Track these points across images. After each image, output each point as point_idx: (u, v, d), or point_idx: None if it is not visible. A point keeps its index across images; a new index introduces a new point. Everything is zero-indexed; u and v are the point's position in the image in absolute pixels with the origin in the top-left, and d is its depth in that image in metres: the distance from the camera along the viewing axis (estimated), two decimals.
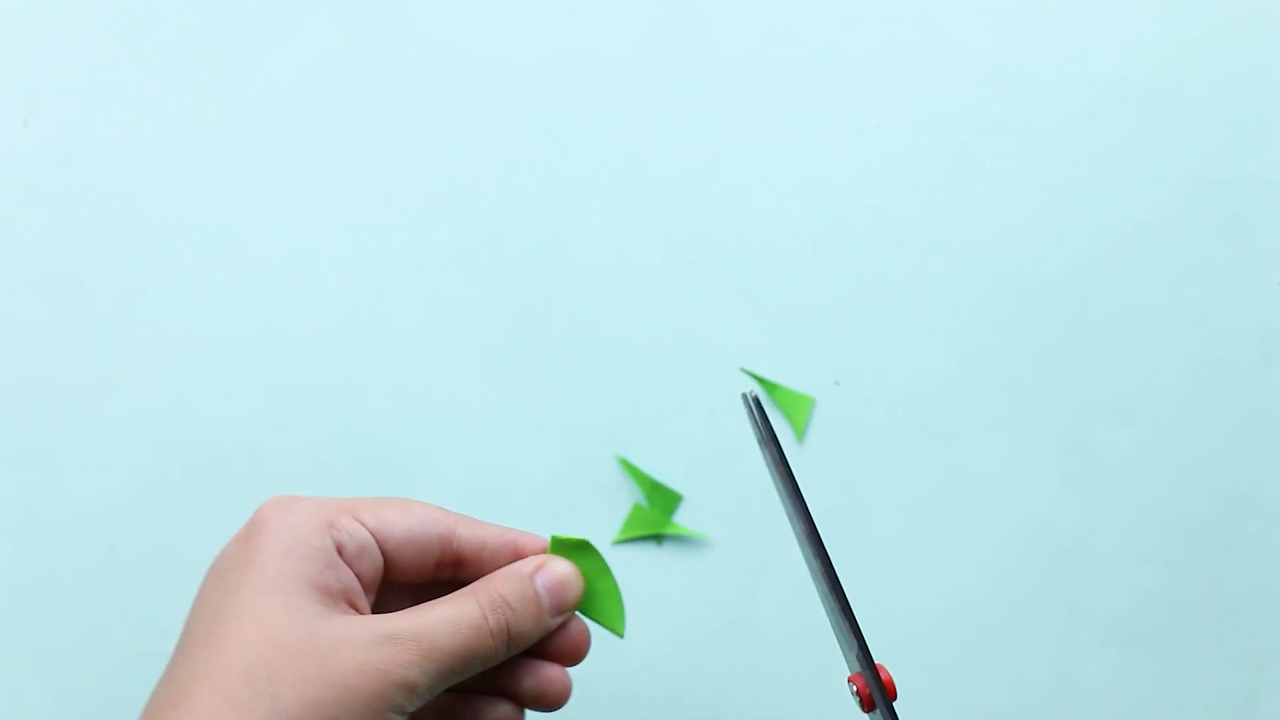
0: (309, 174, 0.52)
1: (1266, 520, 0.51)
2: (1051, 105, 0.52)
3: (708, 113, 0.52)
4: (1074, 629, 0.51)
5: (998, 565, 0.51)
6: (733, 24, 0.52)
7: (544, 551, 0.36)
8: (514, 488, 0.50)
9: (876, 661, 0.33)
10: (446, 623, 0.32)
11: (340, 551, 0.33)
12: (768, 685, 0.50)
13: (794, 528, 0.35)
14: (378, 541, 0.34)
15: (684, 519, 0.50)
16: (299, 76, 0.52)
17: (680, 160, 0.52)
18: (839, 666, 0.35)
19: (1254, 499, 0.51)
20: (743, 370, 0.50)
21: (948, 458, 0.51)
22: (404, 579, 0.35)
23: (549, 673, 0.36)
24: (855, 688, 0.33)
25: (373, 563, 0.34)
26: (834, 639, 0.36)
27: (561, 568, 0.35)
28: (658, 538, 0.50)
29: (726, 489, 0.50)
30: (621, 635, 0.37)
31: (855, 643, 0.33)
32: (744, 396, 0.36)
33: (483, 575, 0.35)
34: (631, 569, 0.50)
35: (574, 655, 0.37)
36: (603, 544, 0.50)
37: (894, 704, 0.32)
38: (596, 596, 0.36)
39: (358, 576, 0.33)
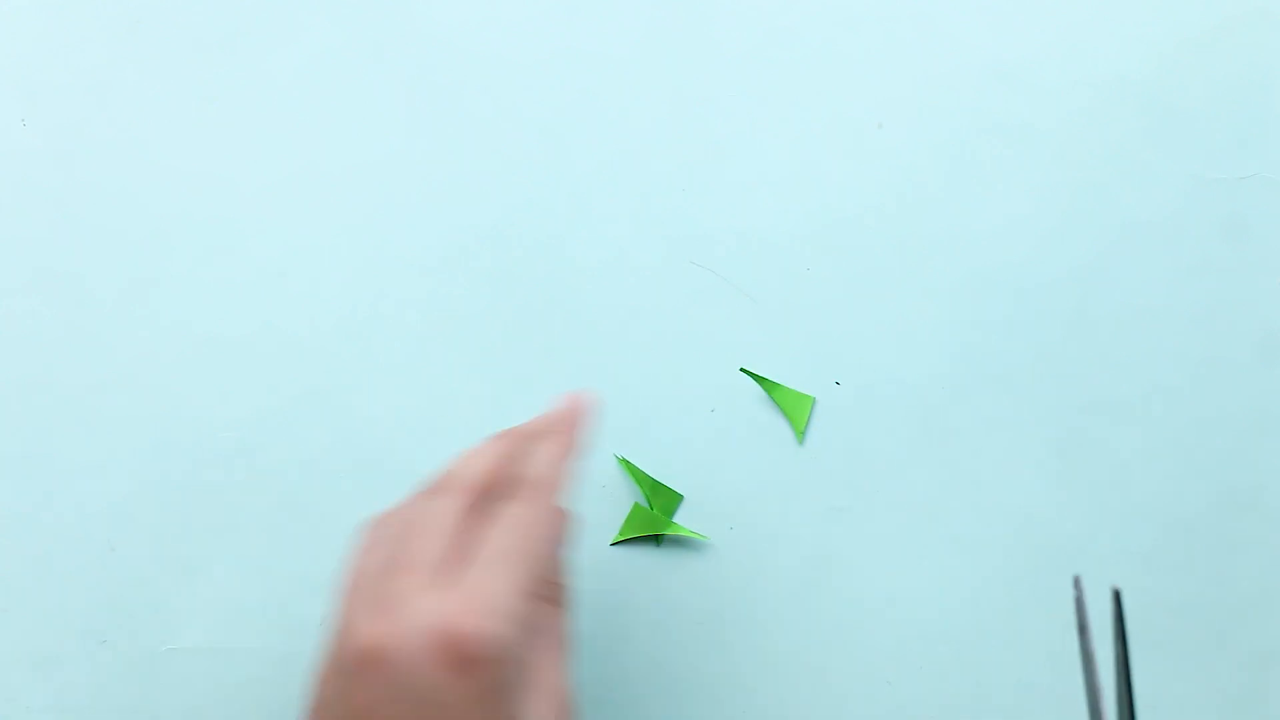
0: (309, 174, 0.52)
1: (1266, 520, 0.51)
2: (1051, 105, 0.52)
3: (708, 113, 0.52)
4: (1074, 629, 0.51)
5: (998, 565, 0.51)
6: (733, 24, 0.52)
7: None
8: None
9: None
10: None
11: None
12: (768, 686, 0.50)
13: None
14: None
15: (684, 519, 0.50)
16: (299, 76, 0.52)
17: (680, 160, 0.52)
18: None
19: (1254, 499, 0.51)
20: (743, 370, 0.50)
21: (948, 458, 0.51)
22: None
23: None
24: None
25: None
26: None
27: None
28: (657, 538, 0.50)
29: (726, 489, 0.50)
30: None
31: None
32: (1076, 581, 0.34)
33: None
34: (631, 569, 0.50)
35: None
36: (602, 544, 0.50)
37: None
38: None
39: None
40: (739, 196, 0.52)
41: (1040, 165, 0.52)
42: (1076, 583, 0.33)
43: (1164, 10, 0.52)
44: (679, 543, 0.50)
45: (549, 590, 0.35)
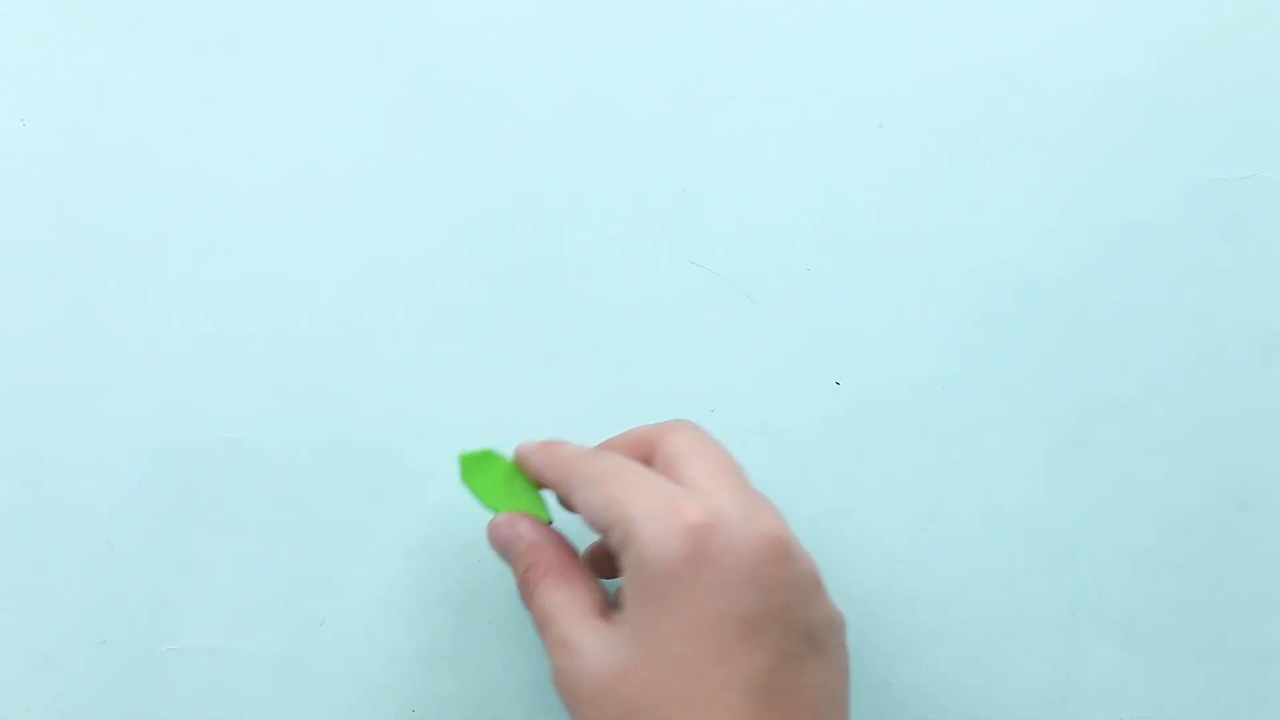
0: (309, 174, 0.52)
1: (1266, 520, 0.51)
2: (1051, 105, 0.52)
3: (708, 113, 0.52)
4: (1074, 629, 0.51)
5: (998, 565, 0.51)
6: (733, 24, 0.52)
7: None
8: None
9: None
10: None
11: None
12: None
13: None
14: None
15: None
16: (299, 76, 0.52)
17: (680, 160, 0.52)
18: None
19: (1254, 499, 0.51)
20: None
21: (948, 458, 0.51)
22: None
23: None
24: None
25: None
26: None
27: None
28: None
29: None
30: (549, 521, 0.40)
31: None
32: None
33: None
34: None
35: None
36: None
37: None
38: (516, 496, 0.41)
39: None
40: (739, 196, 0.52)
41: (1040, 165, 0.52)
42: None
43: (1164, 10, 0.52)
44: None
45: None
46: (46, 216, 0.51)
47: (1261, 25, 0.52)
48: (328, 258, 0.51)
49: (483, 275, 0.52)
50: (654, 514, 0.33)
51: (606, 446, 0.41)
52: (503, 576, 0.45)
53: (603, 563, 0.41)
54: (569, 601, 0.35)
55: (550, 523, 0.40)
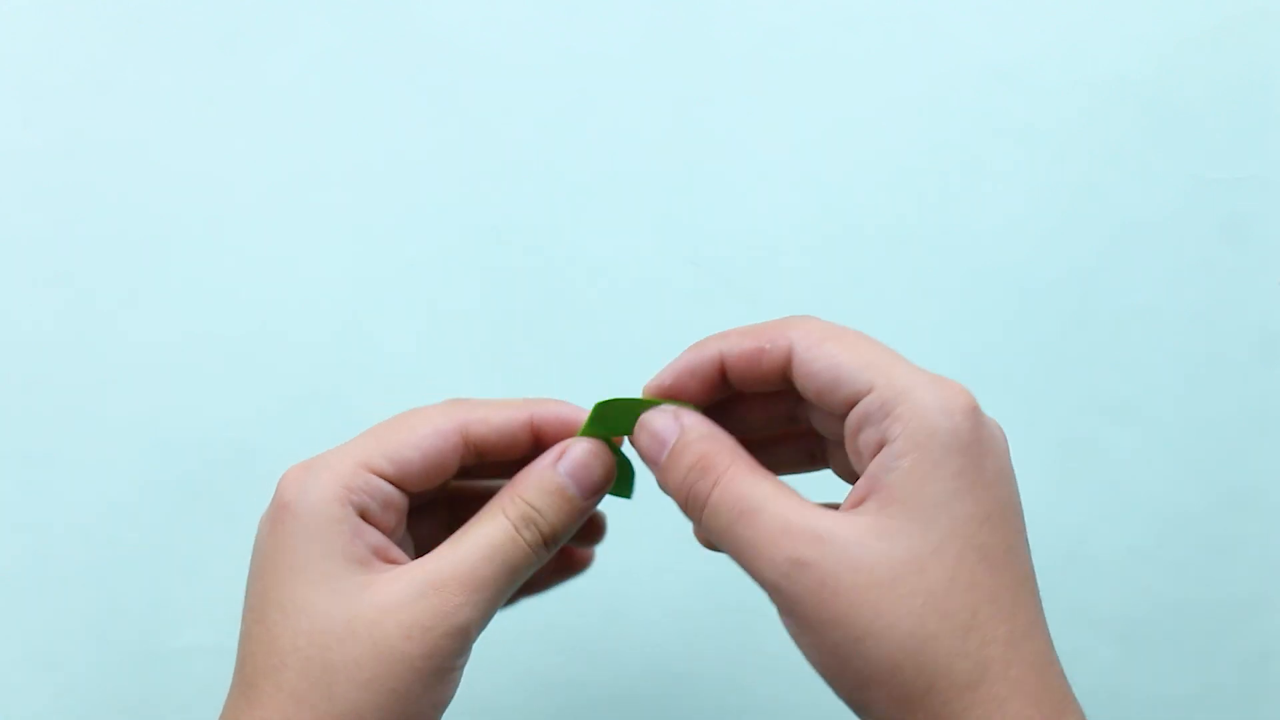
0: (309, 174, 0.52)
1: (1266, 520, 0.51)
2: (1051, 105, 0.52)
3: (708, 113, 0.52)
4: (1074, 629, 0.51)
5: None
6: (733, 24, 0.52)
7: (557, 419, 0.35)
8: None
9: None
10: (483, 550, 0.32)
11: (364, 514, 0.33)
12: (767, 686, 0.50)
13: None
14: (398, 483, 0.33)
15: None
16: (299, 77, 0.52)
17: (680, 160, 0.52)
18: None
19: (1254, 499, 0.51)
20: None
21: None
22: (430, 493, 0.35)
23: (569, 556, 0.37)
24: None
25: (397, 507, 0.34)
26: None
27: (581, 450, 0.34)
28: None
29: None
30: (629, 497, 0.36)
31: None
32: None
33: (507, 460, 0.35)
34: (630, 568, 0.50)
35: (594, 536, 0.37)
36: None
37: None
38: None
39: (386, 528, 0.33)
40: (739, 196, 0.52)
41: (1040, 165, 0.52)
42: None
43: (1164, 10, 0.52)
44: (679, 540, 0.50)
45: None
46: (47, 216, 0.51)
47: (1261, 25, 0.52)
48: (327, 258, 0.52)
49: (483, 275, 0.52)
50: (932, 385, 0.30)
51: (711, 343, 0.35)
52: None
53: None
54: (779, 489, 0.30)
55: (629, 498, 0.36)
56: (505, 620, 0.50)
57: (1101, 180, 0.52)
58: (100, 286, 0.51)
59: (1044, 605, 0.32)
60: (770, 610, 0.33)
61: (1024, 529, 0.30)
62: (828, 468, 0.36)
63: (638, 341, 0.51)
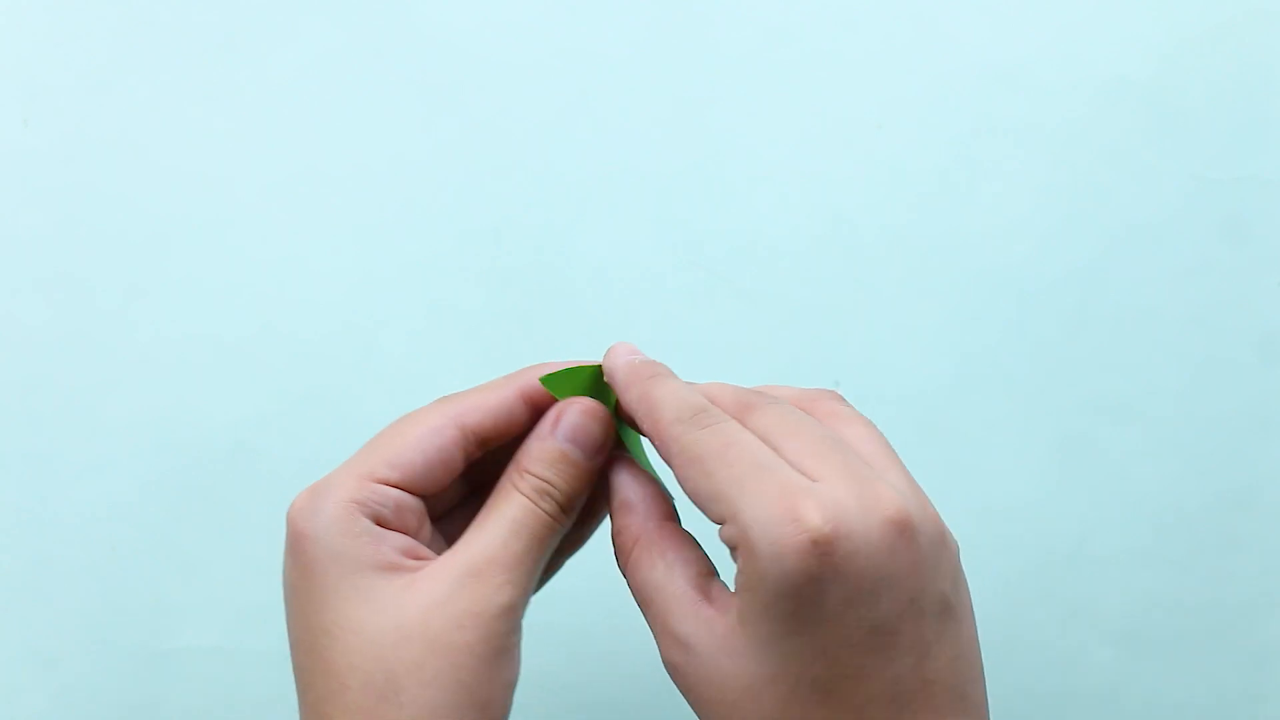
0: (309, 174, 0.52)
1: (1266, 520, 0.51)
2: (1051, 105, 0.52)
3: (708, 113, 0.52)
4: (1074, 629, 0.51)
5: (998, 565, 0.51)
6: (733, 24, 0.52)
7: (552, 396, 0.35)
8: None
9: None
10: (508, 528, 0.33)
11: (381, 522, 0.33)
12: None
13: None
14: (405, 487, 0.34)
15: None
16: (299, 77, 0.52)
17: (680, 160, 0.52)
18: None
19: (1254, 499, 0.51)
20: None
21: (948, 458, 0.51)
22: (442, 488, 0.35)
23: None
24: None
25: (414, 510, 0.34)
26: None
27: (574, 412, 0.34)
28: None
29: None
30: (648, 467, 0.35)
31: None
32: None
33: (507, 441, 0.35)
34: None
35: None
36: (601, 542, 0.50)
37: None
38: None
39: (405, 529, 0.33)
40: (739, 196, 0.52)
41: (1040, 165, 0.52)
42: None
43: (1164, 10, 0.52)
44: None
45: None
46: (48, 216, 0.51)
47: (1261, 25, 0.52)
48: (328, 258, 0.51)
49: (483, 275, 0.52)
50: (771, 522, 0.29)
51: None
52: None
53: None
54: (668, 580, 0.32)
55: (650, 470, 0.35)
56: None
57: (1101, 180, 0.52)
58: (100, 286, 0.51)
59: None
60: None
61: (893, 634, 0.30)
62: None
63: (637, 341, 0.51)
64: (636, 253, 0.52)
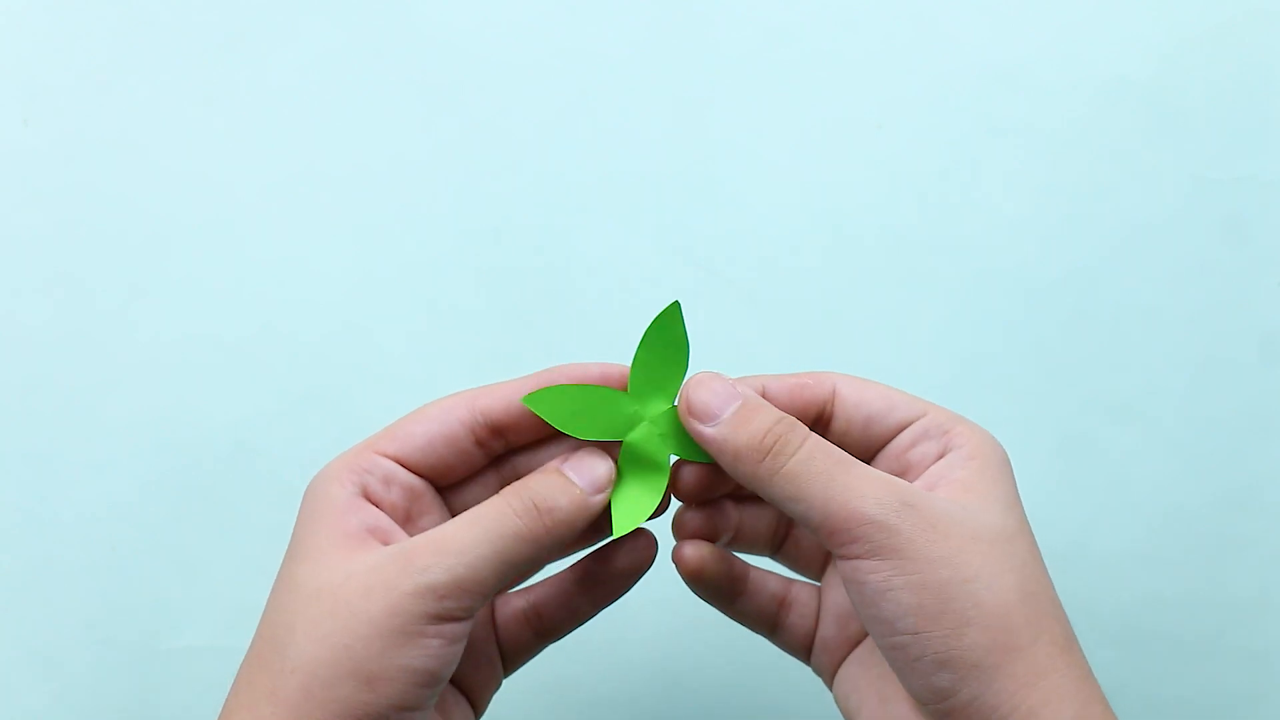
0: (309, 175, 0.52)
1: (1266, 520, 0.51)
2: (1051, 106, 0.52)
3: (708, 113, 0.52)
4: (1074, 629, 0.51)
5: None
6: (733, 24, 0.52)
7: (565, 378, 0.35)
8: None
9: None
10: (466, 519, 0.32)
11: (366, 492, 0.33)
12: (768, 686, 0.50)
13: None
14: (402, 461, 0.34)
15: None
16: (299, 78, 0.52)
17: (680, 161, 0.52)
18: None
19: (1254, 499, 0.51)
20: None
21: None
22: (455, 476, 0.35)
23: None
24: None
25: (405, 488, 0.34)
26: None
27: (585, 452, 0.34)
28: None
29: None
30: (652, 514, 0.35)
31: None
32: None
33: (520, 434, 0.35)
34: None
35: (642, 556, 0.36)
36: None
37: None
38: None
39: (391, 509, 0.33)
40: (739, 196, 0.52)
41: (1040, 166, 0.52)
42: None
43: (1164, 10, 0.52)
44: None
45: None
46: (48, 216, 0.51)
47: (1261, 25, 0.52)
48: (328, 259, 0.52)
49: (482, 275, 0.52)
50: (976, 424, 0.35)
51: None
52: None
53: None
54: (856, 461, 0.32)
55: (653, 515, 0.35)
56: None
57: (1101, 180, 0.52)
58: (100, 286, 0.51)
59: None
60: None
61: None
62: (776, 559, 0.38)
63: (637, 341, 0.51)
64: (636, 252, 0.52)
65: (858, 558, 0.30)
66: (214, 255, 0.51)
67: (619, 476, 0.35)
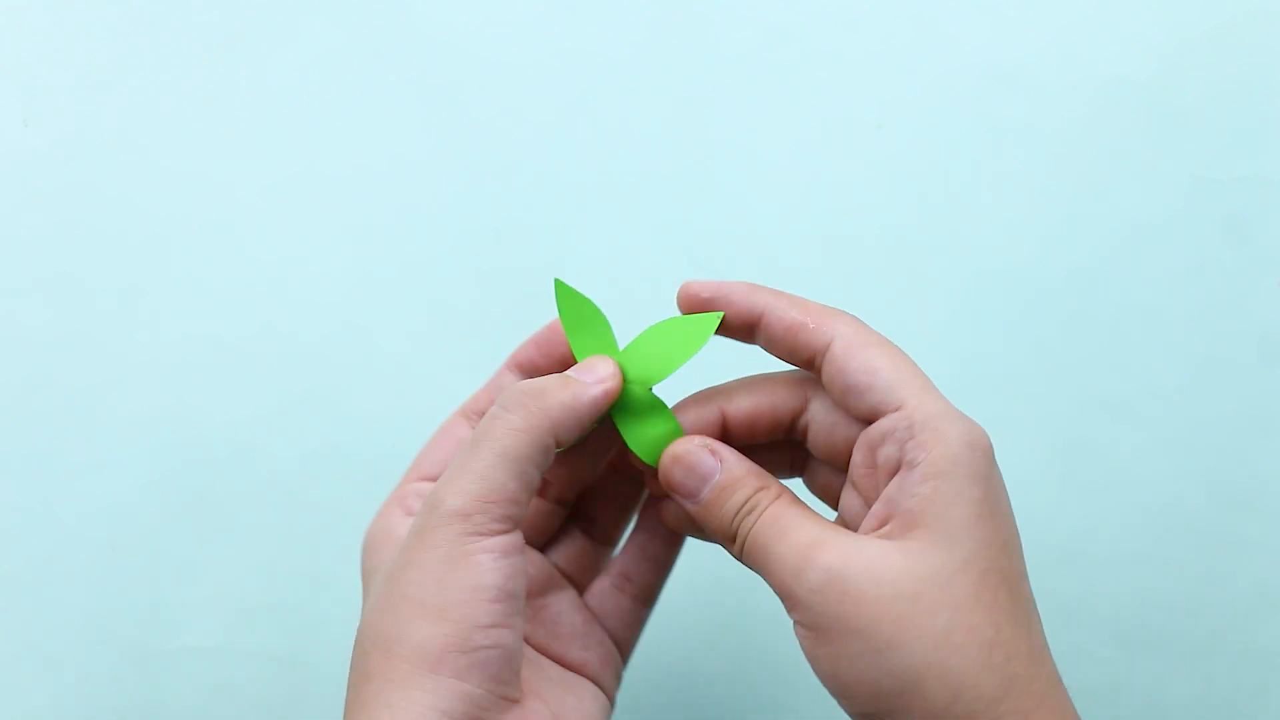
0: (309, 175, 0.52)
1: (1266, 520, 0.51)
2: (1051, 106, 0.52)
3: (708, 113, 0.52)
4: (1074, 629, 0.51)
5: None
6: (733, 24, 0.52)
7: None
8: None
9: None
10: (471, 440, 0.32)
11: (409, 513, 0.36)
12: (768, 685, 0.50)
13: None
14: (432, 479, 0.36)
15: None
16: (299, 78, 0.52)
17: (680, 161, 0.52)
18: None
19: (1254, 499, 0.51)
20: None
21: None
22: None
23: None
24: None
25: None
26: None
27: (590, 360, 0.35)
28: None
29: None
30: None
31: None
32: None
33: (570, 446, 0.35)
34: None
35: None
36: None
37: None
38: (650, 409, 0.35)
39: None
40: (739, 197, 0.52)
41: (1040, 166, 0.52)
42: None
43: (1164, 10, 0.52)
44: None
45: None
46: (48, 217, 0.51)
47: (1261, 25, 0.52)
48: (328, 259, 0.52)
49: (482, 275, 0.52)
50: (959, 418, 0.32)
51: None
52: None
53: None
54: (809, 512, 0.32)
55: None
56: None
57: (1101, 180, 0.52)
58: (100, 286, 0.51)
59: (1043, 605, 0.32)
60: (771, 611, 0.33)
61: (1021, 553, 0.32)
62: (800, 478, 0.37)
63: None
64: (636, 252, 0.52)
65: (797, 623, 0.31)
66: (214, 255, 0.51)
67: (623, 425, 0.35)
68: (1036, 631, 0.30)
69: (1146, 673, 0.51)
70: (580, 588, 0.38)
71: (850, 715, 0.31)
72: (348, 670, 0.34)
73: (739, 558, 0.33)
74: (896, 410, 0.32)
